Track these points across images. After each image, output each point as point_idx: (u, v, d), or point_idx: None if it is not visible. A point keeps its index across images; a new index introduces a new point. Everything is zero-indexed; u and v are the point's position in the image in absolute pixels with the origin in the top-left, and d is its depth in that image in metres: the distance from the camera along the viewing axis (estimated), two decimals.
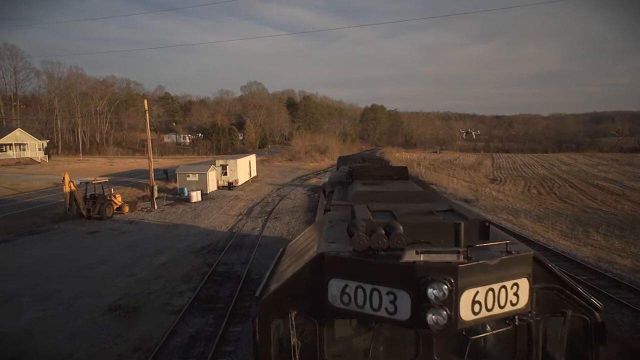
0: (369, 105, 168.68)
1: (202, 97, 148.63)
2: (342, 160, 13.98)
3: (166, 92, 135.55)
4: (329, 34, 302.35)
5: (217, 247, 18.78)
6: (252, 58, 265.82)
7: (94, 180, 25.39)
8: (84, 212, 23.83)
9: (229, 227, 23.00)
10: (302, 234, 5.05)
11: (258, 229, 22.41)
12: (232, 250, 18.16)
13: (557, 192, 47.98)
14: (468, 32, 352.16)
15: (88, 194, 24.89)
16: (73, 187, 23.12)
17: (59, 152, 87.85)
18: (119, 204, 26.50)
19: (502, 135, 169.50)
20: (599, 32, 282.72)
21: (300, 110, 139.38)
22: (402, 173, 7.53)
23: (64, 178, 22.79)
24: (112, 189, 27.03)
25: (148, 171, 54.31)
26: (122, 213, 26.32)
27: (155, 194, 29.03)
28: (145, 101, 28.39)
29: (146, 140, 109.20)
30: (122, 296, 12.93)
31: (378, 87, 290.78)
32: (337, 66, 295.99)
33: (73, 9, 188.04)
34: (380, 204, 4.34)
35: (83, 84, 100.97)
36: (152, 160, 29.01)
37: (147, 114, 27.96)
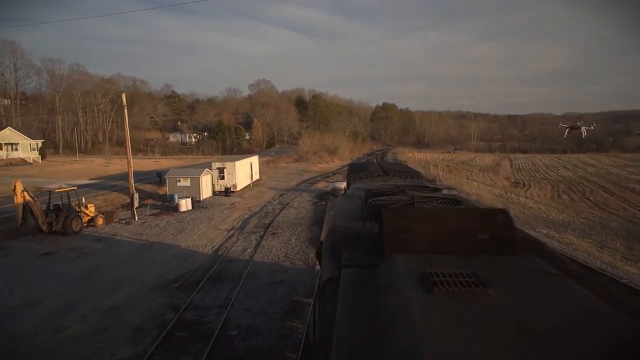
0: (380, 104, 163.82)
1: (210, 95, 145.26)
2: (355, 171, 9.73)
3: (172, 91, 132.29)
4: (338, 33, 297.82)
5: (193, 278, 14.68)
6: (261, 58, 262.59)
7: (58, 189, 21.46)
8: (44, 227, 19.90)
9: (215, 247, 18.89)
10: None
11: (250, 250, 18.27)
12: (210, 284, 14.04)
13: (592, 199, 43.14)
14: (477, 31, 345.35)
15: (52, 204, 20.96)
16: (28, 198, 19.20)
17: (60, 151, 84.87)
18: (92, 215, 22.61)
19: (517, 135, 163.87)
20: (612, 31, 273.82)
21: (310, 109, 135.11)
22: (498, 222, 3.32)
23: (14, 187, 18.88)
24: (84, 198, 23.14)
25: (146, 173, 50.73)
26: (95, 226, 22.46)
27: (136, 203, 25.07)
28: (124, 95, 24.35)
29: (151, 140, 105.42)
30: None
31: (389, 86, 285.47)
32: (347, 65, 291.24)
33: (78, 9, 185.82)
34: None
35: (87, 81, 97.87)
36: (131, 163, 24.99)
37: (125, 110, 23.95)
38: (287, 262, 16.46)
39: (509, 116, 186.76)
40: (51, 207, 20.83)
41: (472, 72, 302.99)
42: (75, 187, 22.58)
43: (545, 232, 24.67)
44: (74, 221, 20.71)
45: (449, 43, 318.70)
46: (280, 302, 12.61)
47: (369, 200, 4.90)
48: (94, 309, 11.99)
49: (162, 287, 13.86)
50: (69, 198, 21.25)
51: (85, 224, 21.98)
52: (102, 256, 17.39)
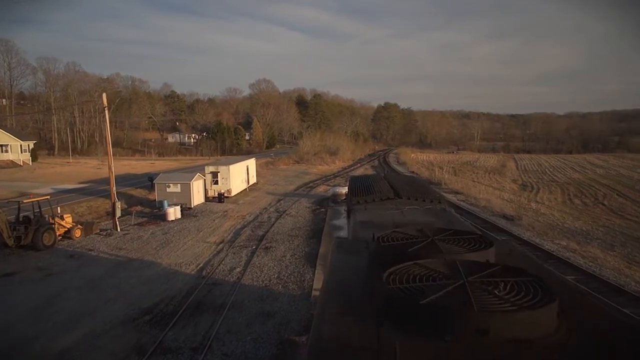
0: (382, 104, 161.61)
1: (210, 95, 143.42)
2: (357, 191, 7.66)
3: (172, 90, 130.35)
4: (340, 33, 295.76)
5: (169, 307, 12.61)
6: (261, 57, 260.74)
7: (30, 197, 19.41)
8: (10, 242, 17.85)
9: (200, 265, 16.83)
10: None
11: (238, 269, 16.19)
12: (188, 316, 11.97)
13: (607, 203, 40.95)
14: (480, 32, 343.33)
15: (22, 215, 18.91)
16: None
17: (56, 152, 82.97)
18: (68, 226, 20.56)
19: (520, 134, 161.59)
20: (615, 30, 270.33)
21: (311, 108, 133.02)
22: None
23: None
24: (59, 208, 21.11)
25: (140, 175, 48.72)
26: (72, 238, 20.41)
27: (118, 213, 23.01)
28: (104, 95, 22.35)
29: (149, 140, 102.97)
30: None
31: (391, 86, 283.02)
32: (348, 65, 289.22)
33: (76, 8, 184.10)
34: None
35: (84, 81, 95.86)
36: (113, 169, 22.92)
37: (106, 111, 21.95)
38: (280, 286, 14.37)
39: (512, 116, 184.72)
40: (20, 219, 18.78)
41: (475, 71, 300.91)
42: (48, 196, 20.52)
43: (565, 243, 22.49)
44: (45, 234, 18.64)
45: (451, 43, 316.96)
46: (268, 341, 10.55)
47: (385, 276, 2.83)
48: (42, 353, 9.94)
49: (130, 320, 11.79)
50: (40, 208, 19.20)
51: (60, 237, 19.94)
52: (70, 277, 15.34)
